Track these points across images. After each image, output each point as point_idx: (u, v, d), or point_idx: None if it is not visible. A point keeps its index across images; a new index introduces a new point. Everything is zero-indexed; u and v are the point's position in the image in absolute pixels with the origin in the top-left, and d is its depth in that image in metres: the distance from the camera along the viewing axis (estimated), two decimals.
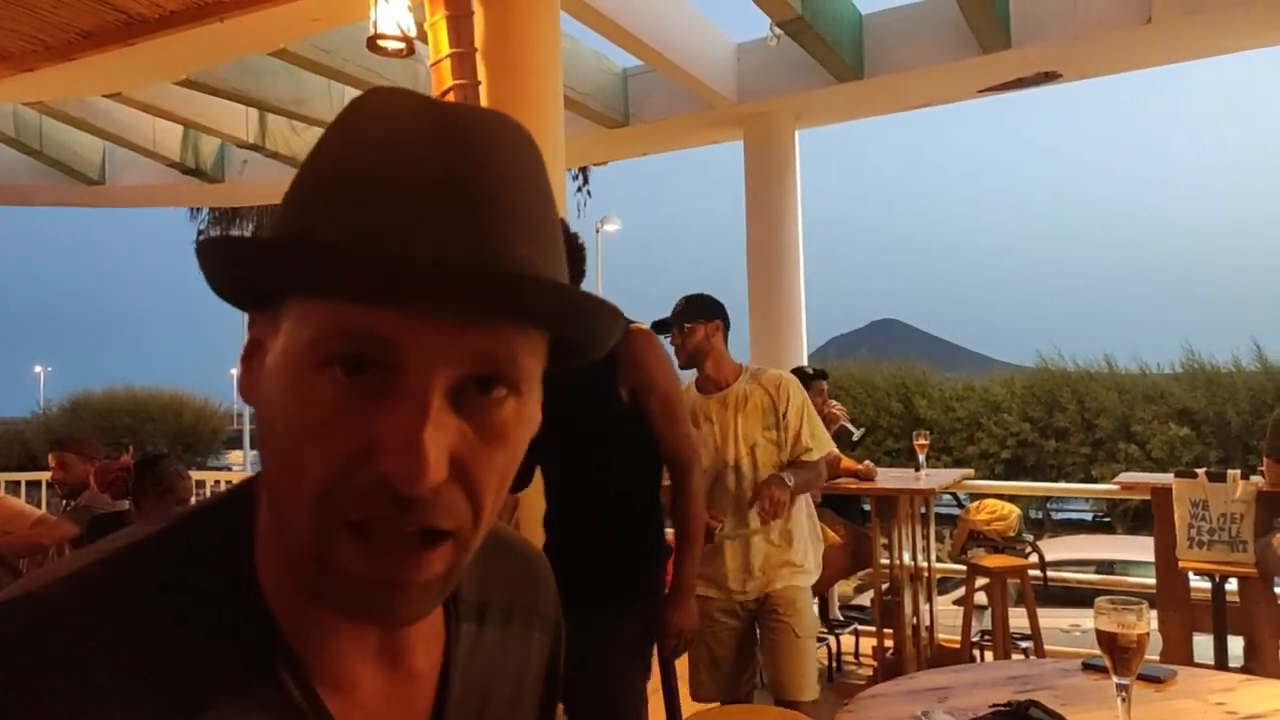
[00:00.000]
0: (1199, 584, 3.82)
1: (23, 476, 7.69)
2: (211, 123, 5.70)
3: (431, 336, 0.44)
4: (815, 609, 3.03)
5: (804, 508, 3.02)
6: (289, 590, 0.50)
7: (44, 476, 6.61)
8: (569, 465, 2.28)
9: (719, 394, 2.96)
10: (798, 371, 4.78)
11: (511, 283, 0.45)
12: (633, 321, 2.18)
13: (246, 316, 0.52)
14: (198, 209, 21.71)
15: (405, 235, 0.44)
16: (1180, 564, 3.64)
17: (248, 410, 26.27)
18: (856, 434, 4.70)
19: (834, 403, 4.56)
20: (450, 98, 3.16)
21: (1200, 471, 3.67)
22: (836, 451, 4.82)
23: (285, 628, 0.50)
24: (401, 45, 3.27)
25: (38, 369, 50.36)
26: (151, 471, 3.06)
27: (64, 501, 4.09)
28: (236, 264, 0.48)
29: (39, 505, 6.27)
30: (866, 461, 4.61)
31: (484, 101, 3.27)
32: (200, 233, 22.61)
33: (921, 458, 4.53)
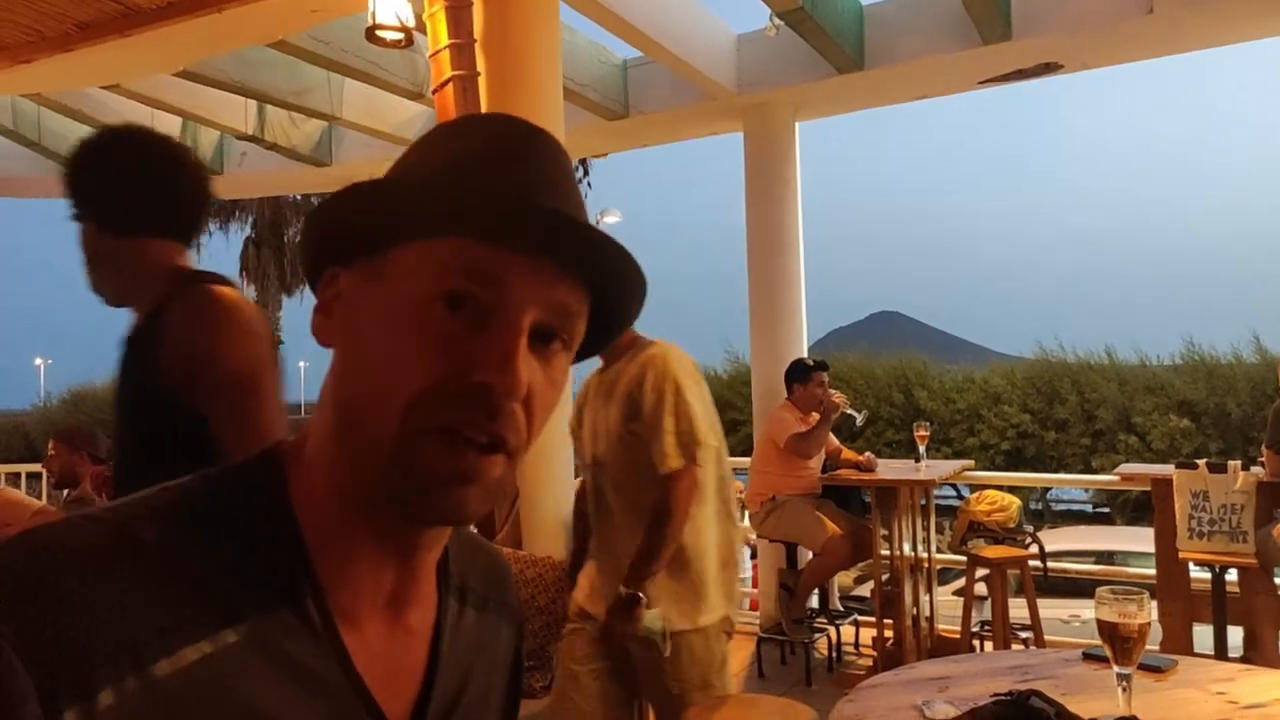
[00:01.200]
0: (1199, 574, 3.83)
1: (23, 468, 7.68)
2: (210, 115, 5.68)
3: (530, 279, 0.55)
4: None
5: (708, 526, 2.30)
6: (325, 527, 0.57)
7: (43, 468, 6.60)
8: None
9: (601, 374, 2.36)
10: (797, 363, 4.79)
11: (599, 237, 0.55)
12: None
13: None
14: None
15: (514, 189, 0.56)
16: (1181, 554, 3.64)
17: None
18: (859, 417, 4.71)
19: (834, 391, 4.58)
20: (449, 88, 3.15)
21: (1201, 462, 3.67)
22: (836, 442, 4.83)
23: (315, 560, 0.56)
24: (400, 36, 3.26)
25: (38, 361, 50.36)
26: None
27: (64, 493, 4.10)
28: (375, 204, 0.56)
29: (39, 497, 6.27)
30: (867, 453, 4.61)
31: (483, 93, 3.27)
32: None
33: (922, 449, 4.53)
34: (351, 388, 0.56)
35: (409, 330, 0.54)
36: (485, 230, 0.54)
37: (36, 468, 7.20)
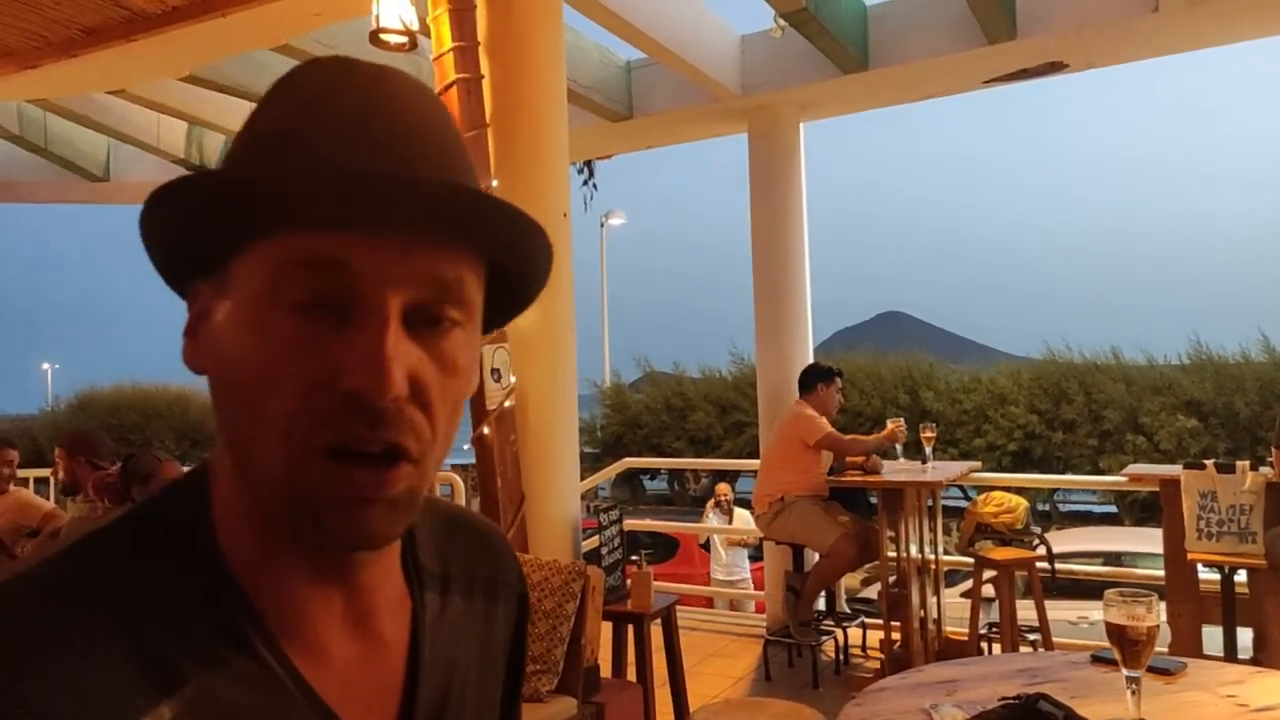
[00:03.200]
0: (1208, 575, 3.81)
1: (32, 473, 7.71)
2: (215, 119, 5.70)
3: (384, 256, 0.47)
4: None
5: None
6: (255, 559, 0.52)
7: (51, 473, 6.63)
8: None
9: None
10: (812, 368, 4.78)
11: (459, 193, 0.48)
12: None
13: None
14: None
15: (343, 158, 0.48)
16: (1189, 556, 3.62)
17: None
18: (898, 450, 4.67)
19: (894, 420, 4.58)
20: (453, 92, 3.15)
21: (1209, 463, 3.65)
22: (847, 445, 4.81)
23: (253, 598, 0.51)
24: (404, 39, 3.26)
25: (45, 366, 50.51)
26: (131, 466, 3.13)
27: (70, 500, 4.11)
28: (198, 204, 0.48)
29: (48, 501, 6.29)
30: (873, 456, 4.60)
31: (488, 95, 3.27)
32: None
33: (928, 450, 4.52)
34: (228, 417, 0.51)
35: (265, 344, 0.48)
36: (316, 216, 0.47)
37: (45, 472, 7.23)
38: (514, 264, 0.54)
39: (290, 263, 0.47)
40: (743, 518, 7.57)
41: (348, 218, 0.47)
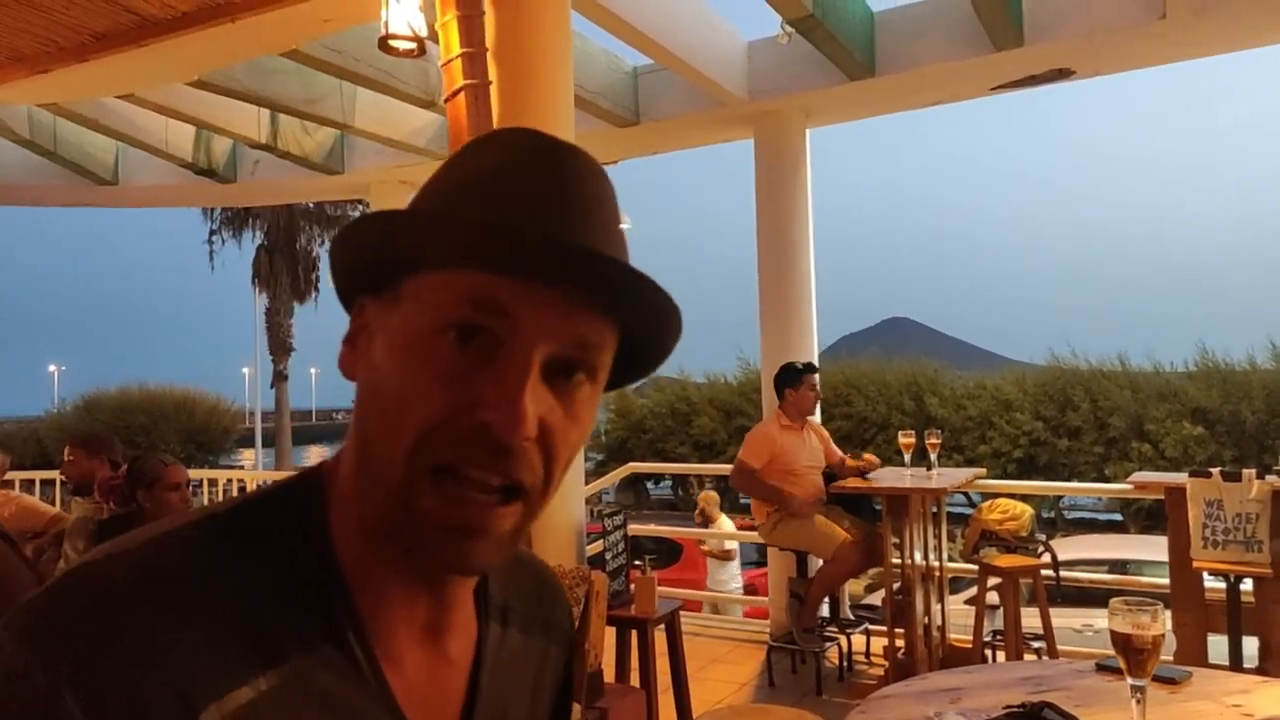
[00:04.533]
0: (1213, 584, 3.80)
1: (38, 475, 7.74)
2: (223, 123, 5.72)
3: (541, 311, 0.52)
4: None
5: None
6: (360, 559, 0.55)
7: (59, 475, 6.65)
8: None
9: None
10: (787, 367, 4.73)
11: (627, 273, 0.53)
12: None
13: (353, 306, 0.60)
14: (211, 209, 21.83)
15: (527, 216, 0.53)
16: (1195, 564, 3.61)
17: (259, 410, 26.38)
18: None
19: (869, 457, 4.59)
20: (461, 97, 3.16)
21: (1215, 471, 3.64)
22: (839, 454, 4.81)
23: (354, 594, 0.55)
24: (413, 45, 3.27)
25: (52, 368, 50.63)
26: (136, 469, 3.13)
27: (77, 499, 4.12)
28: (383, 235, 0.55)
29: (53, 503, 6.31)
30: (867, 455, 4.60)
31: (494, 101, 3.28)
32: (213, 231, 22.70)
33: (933, 456, 4.51)
34: (366, 422, 0.55)
35: (417, 364, 0.53)
36: (492, 261, 0.52)
37: (51, 474, 7.27)
38: (647, 337, 0.58)
39: (461, 298, 0.52)
40: (724, 526, 7.53)
41: (521, 270, 0.51)
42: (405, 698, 0.56)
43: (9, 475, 5.02)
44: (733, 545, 7.57)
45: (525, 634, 0.69)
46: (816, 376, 4.69)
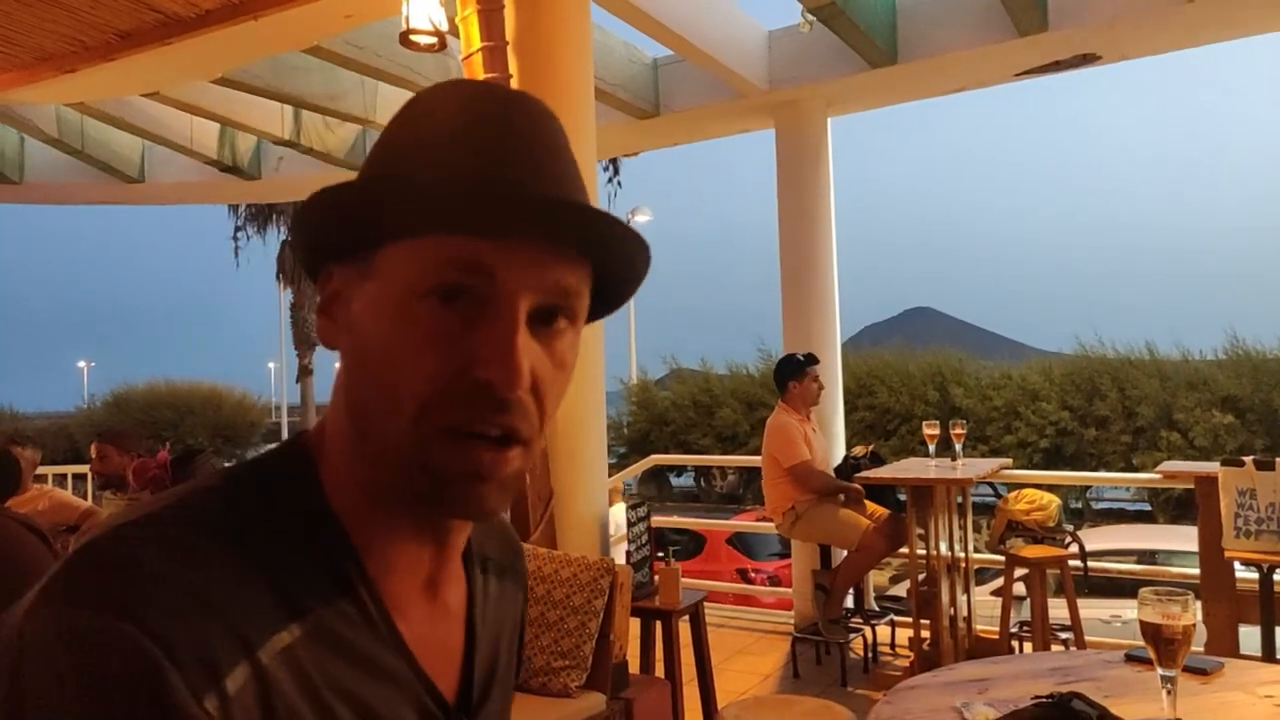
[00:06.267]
0: (1245, 574, 3.75)
1: (69, 470, 7.86)
2: (247, 120, 5.77)
3: (522, 264, 0.53)
4: None
5: None
6: (362, 519, 0.58)
7: (89, 470, 6.75)
8: None
9: None
10: (789, 359, 4.70)
11: (594, 216, 0.54)
12: None
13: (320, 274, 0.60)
14: (236, 206, 22.03)
15: (497, 175, 0.54)
16: (1227, 554, 3.57)
17: (285, 404, 26.63)
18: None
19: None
20: None
21: (1248, 459, 3.59)
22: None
23: (360, 551, 0.57)
24: (434, 40, 3.28)
25: (81, 364, 51.33)
26: (187, 467, 3.12)
27: (108, 494, 4.18)
28: (355, 206, 0.55)
29: (84, 498, 6.41)
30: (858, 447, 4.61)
31: None
32: (238, 228, 22.91)
33: (958, 447, 4.48)
34: (361, 392, 0.56)
35: (406, 331, 0.54)
36: (466, 222, 0.53)
37: (81, 469, 7.37)
38: (619, 274, 0.60)
39: (443, 261, 0.53)
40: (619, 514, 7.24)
41: (500, 227, 0.53)
42: (414, 645, 0.59)
43: (40, 470, 5.10)
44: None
45: (500, 580, 0.73)
46: (818, 368, 4.66)
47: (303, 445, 0.60)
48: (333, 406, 0.59)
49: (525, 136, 0.56)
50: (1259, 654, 3.59)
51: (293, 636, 0.51)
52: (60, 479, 7.44)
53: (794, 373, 4.60)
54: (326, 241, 0.58)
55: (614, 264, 0.59)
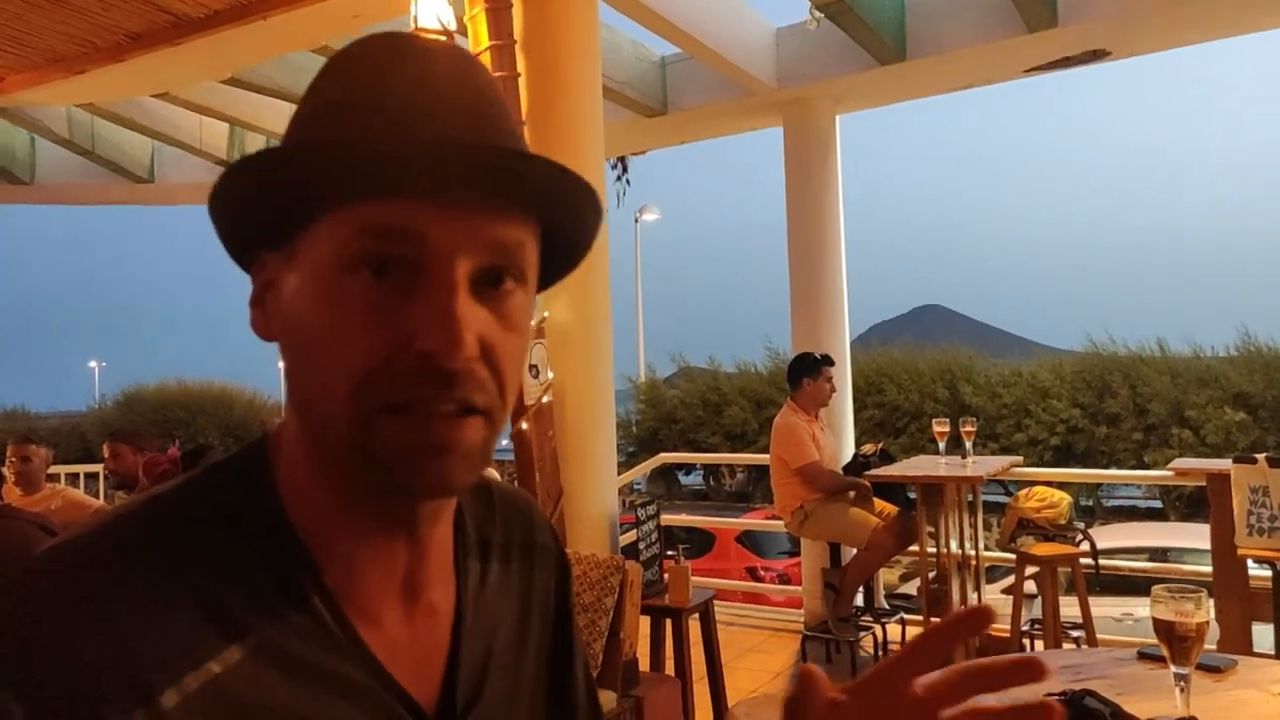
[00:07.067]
0: (1257, 572, 3.73)
1: (81, 469, 7.90)
2: (256, 120, 5.79)
3: (453, 224, 0.49)
4: None
5: None
6: (320, 523, 0.54)
7: (102, 469, 6.78)
8: None
9: None
10: (805, 357, 4.70)
11: (522, 161, 0.50)
12: None
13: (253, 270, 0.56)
14: None
15: (421, 131, 0.50)
16: (1239, 551, 3.55)
17: None
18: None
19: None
20: None
21: (1260, 456, 3.57)
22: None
23: (317, 559, 0.53)
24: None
25: (92, 364, 51.60)
26: (197, 463, 3.14)
27: (121, 493, 4.20)
28: (273, 175, 0.50)
29: (96, 497, 6.44)
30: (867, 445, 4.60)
31: (524, 92, 3.28)
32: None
33: (968, 445, 4.47)
34: (298, 381, 0.53)
35: (335, 310, 0.50)
36: (383, 184, 0.48)
37: (94, 468, 7.43)
38: (567, 226, 0.56)
39: (361, 231, 0.49)
40: None
41: (419, 186, 0.48)
42: (387, 654, 0.55)
43: (53, 469, 5.13)
44: None
45: (505, 563, 0.67)
46: (833, 369, 4.66)
47: (263, 446, 0.57)
48: (286, 404, 0.56)
49: (443, 87, 0.51)
50: (1272, 651, 3.57)
51: (225, 664, 0.47)
52: (73, 478, 7.48)
53: (810, 370, 4.60)
54: (248, 228, 0.53)
55: (559, 216, 0.54)
